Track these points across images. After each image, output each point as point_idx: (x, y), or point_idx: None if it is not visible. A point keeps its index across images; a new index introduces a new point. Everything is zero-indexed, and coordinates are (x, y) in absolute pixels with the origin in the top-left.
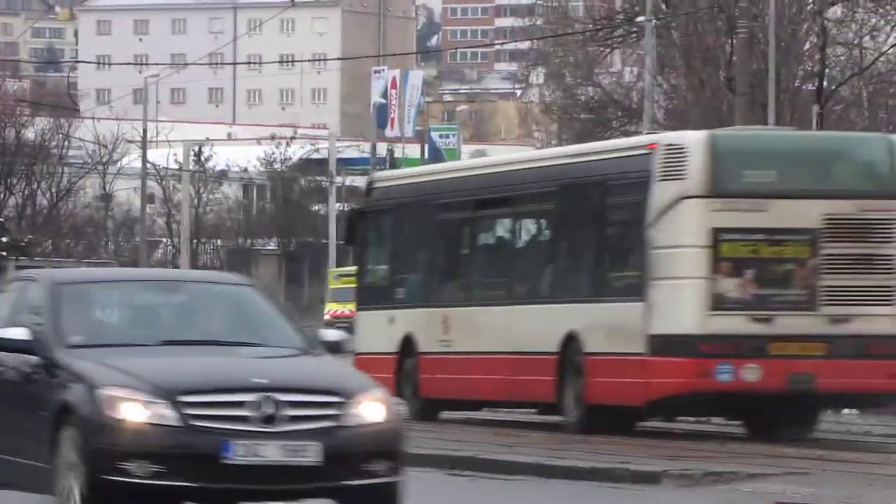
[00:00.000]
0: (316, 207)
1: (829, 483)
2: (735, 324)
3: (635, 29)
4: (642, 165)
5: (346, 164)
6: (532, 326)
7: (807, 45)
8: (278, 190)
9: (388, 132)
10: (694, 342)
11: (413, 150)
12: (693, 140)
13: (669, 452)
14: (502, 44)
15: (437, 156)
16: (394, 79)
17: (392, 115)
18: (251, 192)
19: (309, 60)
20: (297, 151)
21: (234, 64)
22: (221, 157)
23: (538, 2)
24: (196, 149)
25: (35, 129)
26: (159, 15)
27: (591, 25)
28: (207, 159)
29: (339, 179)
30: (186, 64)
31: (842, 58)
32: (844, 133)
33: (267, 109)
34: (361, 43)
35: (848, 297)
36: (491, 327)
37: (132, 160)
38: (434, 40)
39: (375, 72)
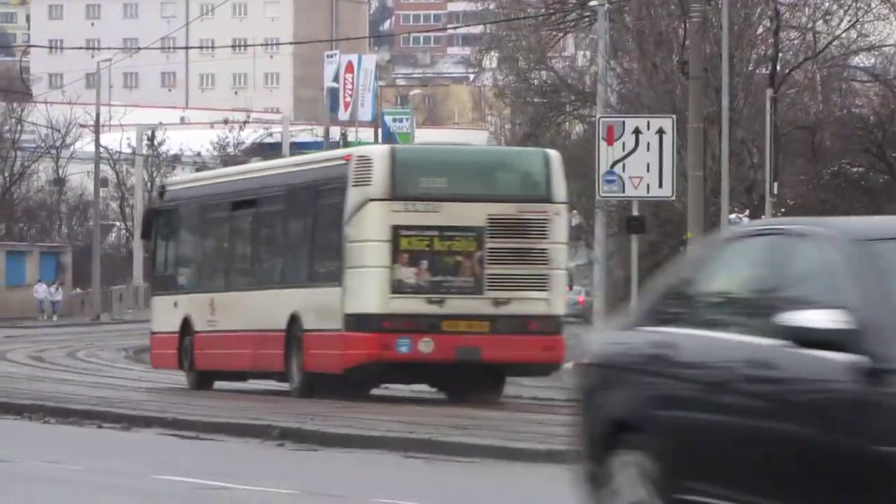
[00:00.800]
0: None
1: None
2: (412, 305)
3: (588, 13)
4: (341, 173)
5: (299, 149)
6: (268, 308)
7: (760, 29)
8: None
9: (342, 116)
10: (378, 320)
11: (367, 135)
12: (378, 153)
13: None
14: (455, 28)
15: (390, 140)
16: (349, 63)
17: (347, 100)
18: None
19: (261, 45)
20: (250, 136)
21: (187, 48)
22: (175, 141)
23: None
24: (149, 133)
25: None
26: None
27: (543, 9)
28: (161, 143)
29: None
30: (139, 48)
31: (795, 42)
32: (506, 147)
33: (220, 94)
34: (314, 27)
35: (508, 284)
36: (240, 309)
37: (85, 144)
38: (387, 24)
39: (328, 56)
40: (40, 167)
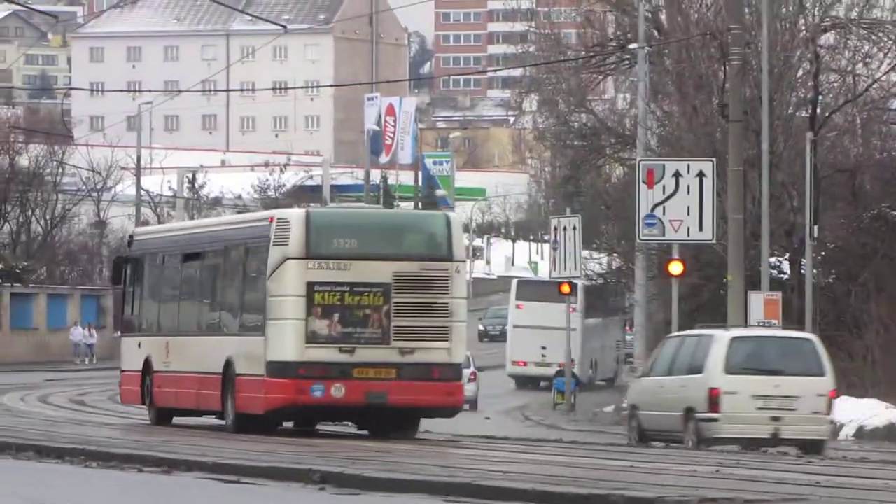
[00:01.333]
0: None
1: None
2: (326, 354)
3: (628, 56)
4: (265, 233)
5: (340, 191)
6: (209, 353)
7: (800, 72)
8: None
9: (383, 159)
10: (294, 367)
11: (407, 177)
12: (294, 216)
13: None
14: (495, 71)
15: (430, 183)
16: (390, 105)
17: (388, 142)
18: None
19: (302, 87)
20: (290, 178)
21: (228, 91)
22: (215, 183)
23: (531, 29)
24: (190, 175)
25: (29, 156)
26: (152, 42)
27: (583, 52)
28: (201, 186)
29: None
30: (180, 91)
31: (835, 84)
32: (411, 211)
33: (260, 136)
34: (354, 70)
35: (413, 335)
36: (189, 352)
37: (126, 187)
38: (426, 67)
39: (369, 99)
40: (81, 210)
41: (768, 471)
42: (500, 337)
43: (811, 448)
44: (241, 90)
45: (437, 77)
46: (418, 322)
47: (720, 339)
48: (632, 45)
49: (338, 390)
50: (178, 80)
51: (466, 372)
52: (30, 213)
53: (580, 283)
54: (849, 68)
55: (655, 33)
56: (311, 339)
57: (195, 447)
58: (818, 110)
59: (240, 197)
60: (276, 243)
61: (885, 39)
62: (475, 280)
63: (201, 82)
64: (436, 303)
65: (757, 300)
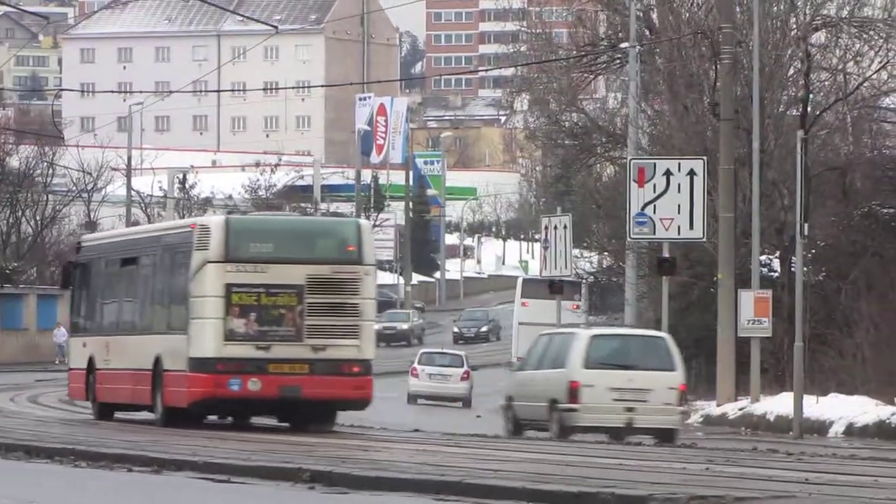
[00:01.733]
0: None
1: None
2: (243, 350)
3: (619, 55)
4: (188, 239)
5: (330, 191)
6: (141, 351)
7: (791, 71)
8: None
9: (374, 159)
10: (214, 363)
11: (398, 177)
12: (214, 222)
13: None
14: (486, 70)
15: (421, 182)
16: (381, 105)
17: (380, 142)
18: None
19: (293, 87)
20: (281, 178)
21: (219, 91)
22: (206, 184)
23: (522, 28)
24: (180, 176)
25: (19, 156)
26: (143, 43)
27: (574, 52)
28: (192, 186)
29: (323, 206)
30: (170, 91)
31: (826, 83)
32: (324, 218)
33: (251, 136)
34: (345, 70)
35: (325, 333)
36: (124, 351)
37: (117, 188)
38: (418, 67)
39: (360, 99)
40: (72, 211)
41: (758, 468)
42: (476, 339)
43: (664, 437)
44: (232, 90)
45: (429, 77)
46: (330, 321)
47: (581, 336)
48: (623, 45)
49: (254, 384)
50: (169, 80)
51: (459, 371)
52: (20, 213)
53: (584, 281)
54: (840, 67)
55: (646, 32)
56: (230, 336)
57: (186, 447)
58: (809, 109)
59: (230, 197)
60: (197, 248)
61: (876, 38)
62: (466, 279)
63: (192, 83)
64: (346, 303)
65: (747, 298)
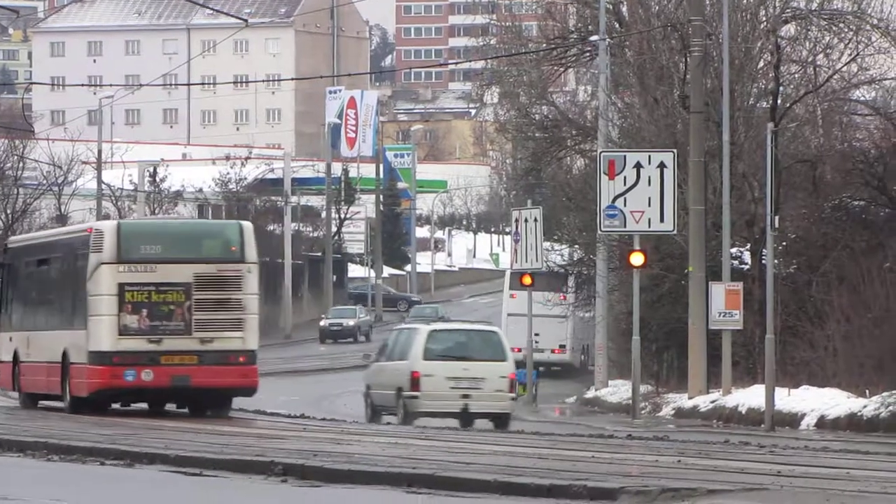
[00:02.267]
0: (271, 227)
1: (787, 499)
2: (136, 344)
3: (589, 48)
4: (86, 242)
5: (301, 184)
6: (52, 345)
7: (761, 63)
8: (233, 210)
9: (346, 152)
10: (109, 356)
11: (368, 170)
12: (107, 227)
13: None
14: (456, 63)
15: (391, 175)
16: (351, 98)
17: (351, 135)
18: (206, 212)
19: (263, 81)
20: (251, 171)
21: (189, 85)
22: (176, 177)
23: (492, 21)
24: (151, 169)
25: None
26: (113, 36)
27: (544, 45)
28: (162, 180)
29: (294, 199)
30: (141, 85)
31: (796, 75)
32: (209, 221)
33: (221, 130)
34: (315, 63)
35: (212, 326)
36: (40, 345)
37: (87, 181)
38: (388, 60)
39: (330, 92)
40: (42, 204)
41: (730, 460)
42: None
43: (499, 421)
44: (203, 84)
45: (399, 70)
46: (216, 315)
47: (422, 331)
48: (593, 37)
49: (147, 375)
50: (139, 74)
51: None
52: None
53: (571, 273)
54: (809, 59)
55: (616, 25)
56: (124, 331)
57: (158, 440)
58: (779, 101)
59: (201, 190)
60: (93, 250)
61: (846, 30)
62: (437, 273)
63: (162, 76)
64: (231, 299)
65: (718, 291)
